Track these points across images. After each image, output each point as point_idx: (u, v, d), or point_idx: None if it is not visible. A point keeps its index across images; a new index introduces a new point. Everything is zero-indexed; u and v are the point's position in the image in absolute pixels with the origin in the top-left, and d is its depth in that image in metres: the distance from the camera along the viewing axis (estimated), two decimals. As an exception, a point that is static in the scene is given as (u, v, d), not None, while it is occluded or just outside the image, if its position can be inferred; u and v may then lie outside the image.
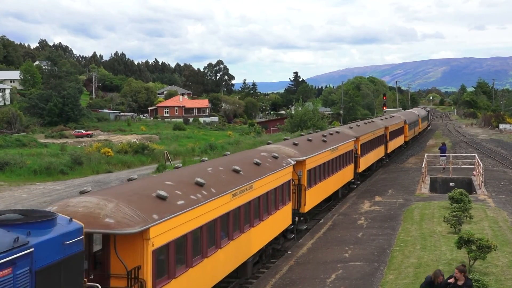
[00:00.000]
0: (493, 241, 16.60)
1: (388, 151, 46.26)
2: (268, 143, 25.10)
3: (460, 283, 12.46)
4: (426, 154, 42.36)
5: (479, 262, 16.77)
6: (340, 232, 23.57)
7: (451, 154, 42.74)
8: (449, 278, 12.79)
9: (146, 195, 12.65)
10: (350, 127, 36.36)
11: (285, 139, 28.07)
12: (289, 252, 21.28)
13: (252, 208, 17.47)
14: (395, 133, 49.73)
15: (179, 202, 13.10)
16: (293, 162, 22.09)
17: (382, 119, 48.51)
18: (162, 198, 12.70)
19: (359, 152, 34.58)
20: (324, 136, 29.08)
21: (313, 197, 25.04)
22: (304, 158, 23.39)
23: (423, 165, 36.09)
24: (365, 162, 36.87)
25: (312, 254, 20.61)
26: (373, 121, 44.75)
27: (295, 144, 24.85)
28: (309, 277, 17.86)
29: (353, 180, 33.78)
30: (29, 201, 34.29)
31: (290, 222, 21.95)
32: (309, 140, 26.67)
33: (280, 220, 20.51)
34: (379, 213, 26.88)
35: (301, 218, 24.18)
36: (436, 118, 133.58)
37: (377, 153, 41.49)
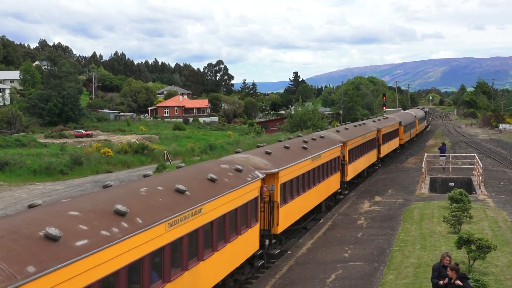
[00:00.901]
0: (492, 241, 16.61)
1: (381, 155, 43.26)
2: (237, 152, 21.87)
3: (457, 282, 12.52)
4: (425, 154, 42.36)
5: (479, 262, 16.77)
6: (340, 232, 23.58)
7: (450, 154, 42.76)
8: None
9: (28, 235, 8.95)
10: (337, 131, 32.92)
11: (258, 146, 23.70)
12: (289, 252, 21.28)
13: (200, 237, 13.88)
14: (389, 136, 46.44)
15: (79, 243, 9.44)
16: (261, 176, 18.49)
17: (374, 121, 45.30)
18: (52, 239, 9.05)
19: (346, 158, 31.23)
20: (305, 142, 25.56)
21: (288, 215, 21.38)
22: (276, 170, 19.75)
23: (423, 165, 36.09)
24: (353, 169, 33.48)
25: (312, 254, 20.61)
26: (364, 124, 40.83)
27: (268, 153, 21.00)
28: (309, 277, 17.86)
29: (339, 190, 30.28)
30: (29, 201, 34.24)
31: (258, 247, 18.48)
32: (286, 147, 23.09)
33: (242, 246, 17.02)
34: (379, 213, 26.88)
35: (273, 241, 20.45)
36: (436, 118, 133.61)
37: (368, 159, 38.26)
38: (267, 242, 19.31)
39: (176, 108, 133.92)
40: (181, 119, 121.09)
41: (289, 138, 32.93)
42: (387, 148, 45.74)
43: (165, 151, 56.16)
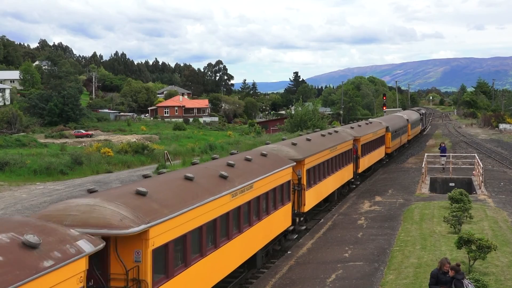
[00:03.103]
0: (493, 241, 16.62)
1: (359, 170, 35.30)
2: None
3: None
4: (426, 154, 42.36)
5: (479, 262, 16.78)
6: (340, 232, 23.58)
7: (451, 154, 42.75)
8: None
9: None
10: (293, 143, 24.34)
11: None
12: (289, 252, 21.29)
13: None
14: (372, 145, 39.05)
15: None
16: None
17: (352, 127, 36.29)
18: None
19: (304, 181, 23.31)
20: (248, 160, 18.98)
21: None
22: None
23: (423, 165, 36.09)
24: (314, 195, 25.10)
25: (312, 254, 20.62)
26: (336, 132, 31.97)
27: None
28: (309, 277, 17.87)
29: (291, 228, 22.16)
30: (29, 201, 34.30)
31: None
32: (230, 165, 17.42)
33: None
34: (379, 213, 26.89)
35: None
36: (436, 118, 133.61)
37: (339, 177, 30.00)
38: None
39: (176, 108, 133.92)
40: (181, 119, 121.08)
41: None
42: (368, 161, 38.00)
43: (166, 151, 56.14)
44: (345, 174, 31.30)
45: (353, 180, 34.09)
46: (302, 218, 23.85)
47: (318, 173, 25.76)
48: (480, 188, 32.72)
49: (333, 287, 16.61)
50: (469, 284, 12.61)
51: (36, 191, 38.48)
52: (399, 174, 40.01)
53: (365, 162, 37.23)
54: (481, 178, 33.48)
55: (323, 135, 29.52)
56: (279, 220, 20.38)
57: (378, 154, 42.12)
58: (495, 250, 16.33)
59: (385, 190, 33.24)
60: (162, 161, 52.97)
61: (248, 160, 19.03)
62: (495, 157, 49.87)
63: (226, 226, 15.46)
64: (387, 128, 45.58)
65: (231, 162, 17.56)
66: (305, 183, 23.52)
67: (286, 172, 20.91)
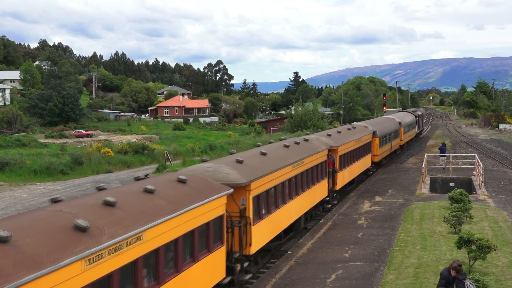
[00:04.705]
0: (493, 241, 16.61)
1: (337, 187, 29.41)
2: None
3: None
4: (426, 154, 42.35)
5: (479, 262, 16.78)
6: (340, 232, 23.58)
7: (451, 154, 42.74)
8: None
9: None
10: (239, 161, 18.18)
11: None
12: (289, 252, 21.28)
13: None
14: (354, 155, 33.38)
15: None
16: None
17: (329, 134, 30.24)
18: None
19: (250, 213, 17.17)
20: (181, 181, 14.60)
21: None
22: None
23: (423, 165, 36.08)
24: (267, 229, 19.01)
25: (312, 254, 20.62)
26: (306, 141, 25.99)
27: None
28: (309, 277, 17.87)
29: (226, 281, 16.20)
30: (29, 201, 34.31)
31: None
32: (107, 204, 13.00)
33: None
34: (379, 213, 26.89)
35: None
36: (436, 118, 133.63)
37: (307, 199, 23.92)
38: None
39: (176, 108, 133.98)
40: (181, 119, 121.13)
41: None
42: (348, 174, 32.19)
43: (166, 151, 56.17)
44: (316, 193, 25.21)
45: (328, 199, 27.79)
46: (247, 264, 17.43)
47: (273, 199, 19.55)
48: (480, 188, 32.72)
49: (333, 287, 16.62)
50: (470, 285, 12.60)
51: (36, 191, 38.49)
52: (399, 174, 40.01)
53: (345, 176, 31.03)
54: (481, 178, 33.47)
55: (286, 146, 23.02)
56: (203, 275, 14.37)
57: (362, 164, 36.32)
58: (495, 250, 16.33)
59: (385, 190, 33.24)
60: (162, 161, 52.98)
61: (149, 192, 12.78)
62: (495, 157, 49.87)
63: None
64: (374, 133, 39.81)
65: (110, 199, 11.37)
66: (251, 216, 17.14)
67: (217, 204, 14.97)
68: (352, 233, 23.24)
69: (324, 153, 26.38)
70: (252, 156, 19.84)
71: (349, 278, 17.25)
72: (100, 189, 12.88)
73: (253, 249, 17.48)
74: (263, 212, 18.43)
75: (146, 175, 15.42)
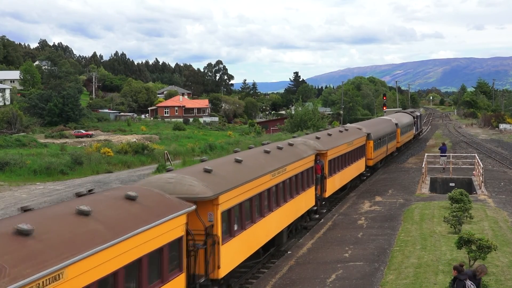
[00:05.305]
0: (493, 241, 16.61)
1: (326, 194, 27.25)
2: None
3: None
4: (426, 154, 42.35)
5: (479, 262, 16.76)
6: (340, 232, 23.58)
7: (451, 154, 42.74)
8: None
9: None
10: (206, 171, 15.91)
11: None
12: (289, 252, 21.28)
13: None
14: (345, 159, 31.26)
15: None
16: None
17: (318, 137, 28.06)
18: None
19: (218, 230, 14.97)
20: (129, 198, 12.38)
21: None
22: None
23: (423, 165, 36.08)
24: (240, 248, 16.67)
25: (312, 254, 20.61)
26: (291, 145, 23.87)
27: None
28: (309, 277, 17.86)
29: None
30: (29, 201, 34.30)
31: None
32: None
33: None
34: (379, 213, 26.88)
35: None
36: (436, 118, 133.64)
37: (290, 210, 21.70)
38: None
39: (176, 108, 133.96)
40: (181, 119, 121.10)
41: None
42: (339, 180, 30.07)
43: (166, 151, 56.14)
44: (301, 203, 23.16)
45: (316, 208, 25.81)
46: None
47: (248, 213, 17.30)
48: (480, 188, 32.72)
49: (333, 287, 16.61)
50: (471, 285, 12.58)
51: (36, 191, 38.48)
52: (399, 174, 40.00)
53: (335, 182, 28.96)
54: (481, 178, 33.47)
55: (266, 152, 20.71)
56: None
57: (355, 169, 34.18)
58: (495, 250, 16.33)
59: (385, 190, 33.23)
60: (162, 161, 52.96)
61: (83, 214, 10.67)
62: (495, 157, 49.87)
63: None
64: (368, 135, 37.69)
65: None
66: (219, 234, 14.94)
67: (173, 225, 12.57)
68: (352, 233, 23.23)
69: (310, 158, 24.30)
70: (224, 164, 17.68)
71: (349, 278, 17.24)
72: (24, 209, 10.67)
73: (223, 272, 15.16)
74: (236, 228, 16.14)
75: (89, 191, 12.82)
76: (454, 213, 21.89)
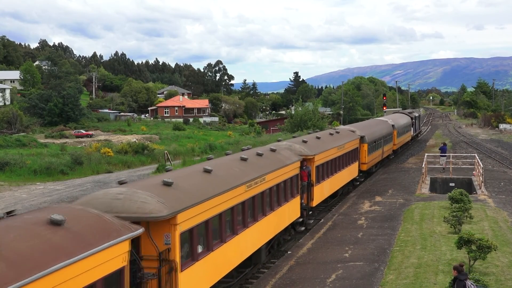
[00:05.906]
0: (493, 241, 16.61)
1: (314, 203, 25.17)
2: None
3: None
4: (426, 154, 42.35)
5: (479, 262, 16.78)
6: (340, 232, 23.58)
7: (451, 154, 42.74)
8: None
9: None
10: (166, 184, 13.66)
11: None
12: (289, 252, 21.29)
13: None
14: (336, 164, 29.02)
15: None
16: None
17: (305, 141, 25.94)
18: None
19: (176, 255, 12.81)
20: (54, 224, 9.63)
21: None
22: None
23: (423, 165, 36.09)
24: (196, 279, 13.84)
25: (312, 254, 20.62)
26: (273, 151, 21.76)
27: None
28: (309, 277, 17.87)
29: None
30: (29, 201, 34.31)
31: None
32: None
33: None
34: (379, 213, 26.89)
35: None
36: (436, 118, 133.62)
37: (271, 224, 19.60)
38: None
39: (176, 108, 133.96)
40: (181, 119, 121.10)
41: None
42: (329, 187, 28.02)
43: (166, 151, 56.16)
44: (284, 215, 20.98)
45: (302, 219, 23.61)
46: None
47: (216, 231, 15.03)
48: (480, 188, 32.72)
49: (333, 287, 16.61)
50: (471, 285, 12.60)
51: (36, 191, 38.49)
52: (399, 174, 40.01)
53: (324, 189, 26.88)
54: (481, 178, 33.48)
55: (243, 160, 18.45)
56: None
57: (347, 174, 31.94)
58: (495, 250, 16.33)
59: (385, 190, 33.24)
60: (162, 161, 52.99)
61: None
62: (495, 157, 49.87)
63: None
64: (362, 138, 35.58)
65: None
66: (178, 259, 12.73)
67: (111, 255, 10.22)
68: (352, 233, 23.23)
69: (295, 165, 22.05)
70: (190, 175, 15.32)
71: (349, 278, 17.25)
72: None
73: None
74: (200, 250, 13.91)
75: (8, 213, 10.26)
76: (454, 213, 21.90)
